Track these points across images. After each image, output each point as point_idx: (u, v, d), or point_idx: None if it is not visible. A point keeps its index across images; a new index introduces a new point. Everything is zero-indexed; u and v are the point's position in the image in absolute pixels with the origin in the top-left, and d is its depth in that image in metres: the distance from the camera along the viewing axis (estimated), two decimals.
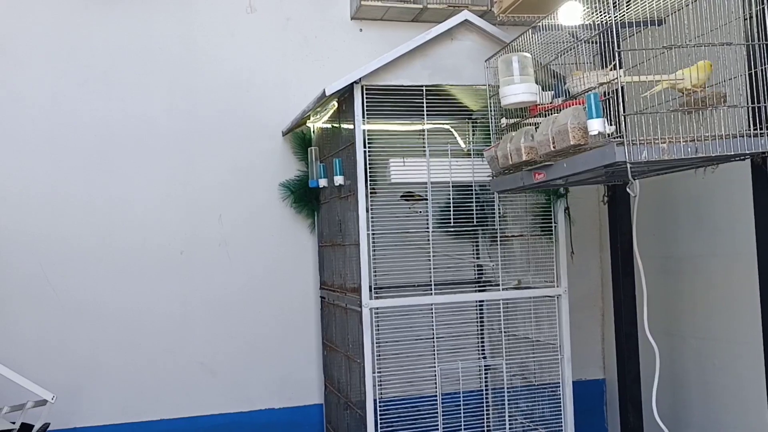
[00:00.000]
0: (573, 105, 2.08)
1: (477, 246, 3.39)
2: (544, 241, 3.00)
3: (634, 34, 2.16)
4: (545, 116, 2.25)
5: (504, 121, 2.56)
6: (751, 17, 1.98)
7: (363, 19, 3.62)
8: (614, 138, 1.89)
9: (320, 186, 3.23)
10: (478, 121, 3.16)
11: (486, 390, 3.35)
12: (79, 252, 3.26)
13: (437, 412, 2.84)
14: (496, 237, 3.00)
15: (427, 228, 2.88)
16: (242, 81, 3.48)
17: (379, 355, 2.83)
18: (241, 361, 3.42)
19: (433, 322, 2.86)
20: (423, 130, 2.86)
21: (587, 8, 2.11)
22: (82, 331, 3.24)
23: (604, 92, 1.99)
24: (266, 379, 3.45)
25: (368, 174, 2.76)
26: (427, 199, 2.88)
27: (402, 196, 3.18)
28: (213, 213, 3.43)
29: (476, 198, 2.94)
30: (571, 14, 2.22)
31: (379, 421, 2.77)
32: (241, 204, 3.45)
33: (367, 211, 2.75)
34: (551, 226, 2.98)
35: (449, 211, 2.93)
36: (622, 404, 2.88)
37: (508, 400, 2.96)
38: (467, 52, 2.84)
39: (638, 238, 2.56)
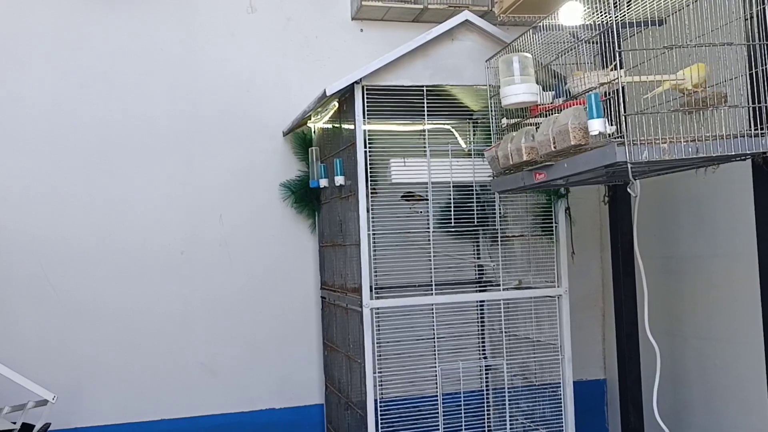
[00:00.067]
0: (574, 105, 2.08)
1: (478, 246, 3.39)
2: (544, 241, 3.00)
3: (634, 35, 2.16)
4: (546, 116, 2.25)
5: (504, 121, 2.56)
6: (751, 17, 1.98)
7: (364, 19, 3.62)
8: (615, 138, 1.89)
9: (321, 186, 3.23)
10: (479, 121, 3.16)
11: (487, 390, 3.35)
12: (80, 252, 3.26)
13: (438, 412, 2.84)
14: (497, 237, 3.00)
15: (428, 228, 2.88)
16: (243, 81, 3.48)
17: (380, 355, 2.83)
18: (242, 361, 3.42)
19: (433, 322, 2.87)
20: (423, 131, 2.86)
21: (588, 8, 2.11)
22: (83, 331, 3.24)
23: (605, 92, 1.99)
24: (267, 379, 3.45)
25: (369, 174, 2.76)
26: (427, 200, 2.88)
27: (402, 197, 3.18)
28: (213, 213, 3.42)
29: (477, 198, 2.94)
30: (571, 14, 2.22)
31: (379, 421, 2.76)
32: (241, 204, 3.45)
33: (368, 211, 2.75)
34: (552, 227, 2.98)
35: (450, 211, 2.92)
36: (623, 404, 2.88)
37: (509, 400, 2.96)
38: (468, 53, 2.84)
39: (639, 238, 2.56)
